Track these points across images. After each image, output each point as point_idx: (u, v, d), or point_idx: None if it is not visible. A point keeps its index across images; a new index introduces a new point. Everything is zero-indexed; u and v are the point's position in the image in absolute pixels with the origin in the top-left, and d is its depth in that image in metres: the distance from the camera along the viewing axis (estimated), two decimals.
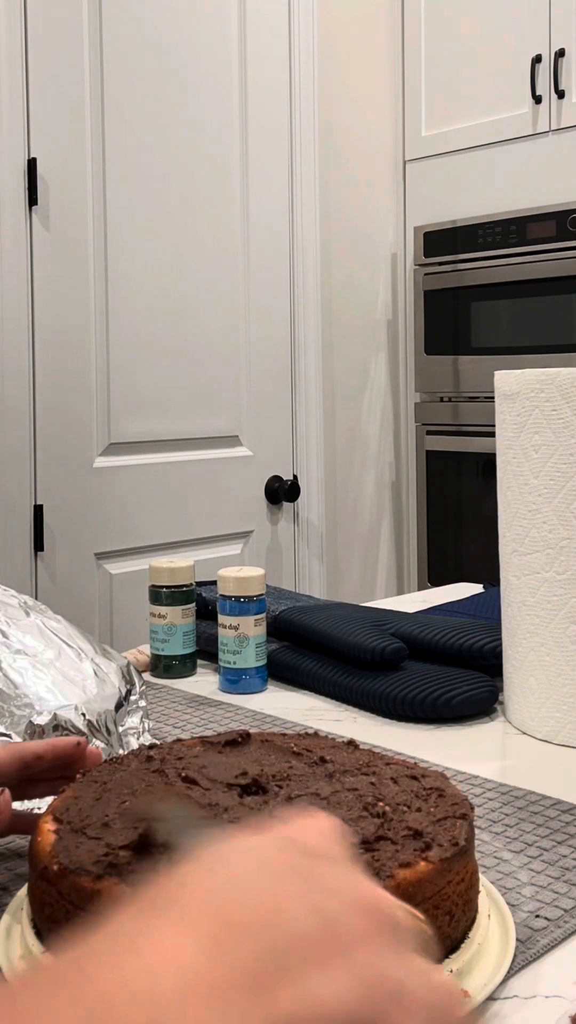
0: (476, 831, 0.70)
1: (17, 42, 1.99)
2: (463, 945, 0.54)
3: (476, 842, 0.68)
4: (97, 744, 0.75)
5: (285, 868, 0.33)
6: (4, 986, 0.30)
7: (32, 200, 2.02)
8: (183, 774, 0.62)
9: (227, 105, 2.39)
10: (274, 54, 2.48)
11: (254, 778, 0.61)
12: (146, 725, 0.83)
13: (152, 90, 2.22)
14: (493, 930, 0.57)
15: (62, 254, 2.08)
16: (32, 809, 0.67)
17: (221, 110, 2.37)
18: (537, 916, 0.60)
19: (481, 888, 0.59)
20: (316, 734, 0.70)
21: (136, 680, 0.87)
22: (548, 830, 0.71)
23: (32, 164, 2.02)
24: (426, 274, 2.69)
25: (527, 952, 0.57)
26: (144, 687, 0.87)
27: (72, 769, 0.65)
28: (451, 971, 0.52)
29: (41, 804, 0.67)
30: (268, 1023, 0.28)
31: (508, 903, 0.61)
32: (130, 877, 0.51)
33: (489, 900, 0.59)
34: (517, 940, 0.57)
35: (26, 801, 0.67)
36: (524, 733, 0.92)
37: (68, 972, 0.29)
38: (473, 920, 0.56)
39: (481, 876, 0.61)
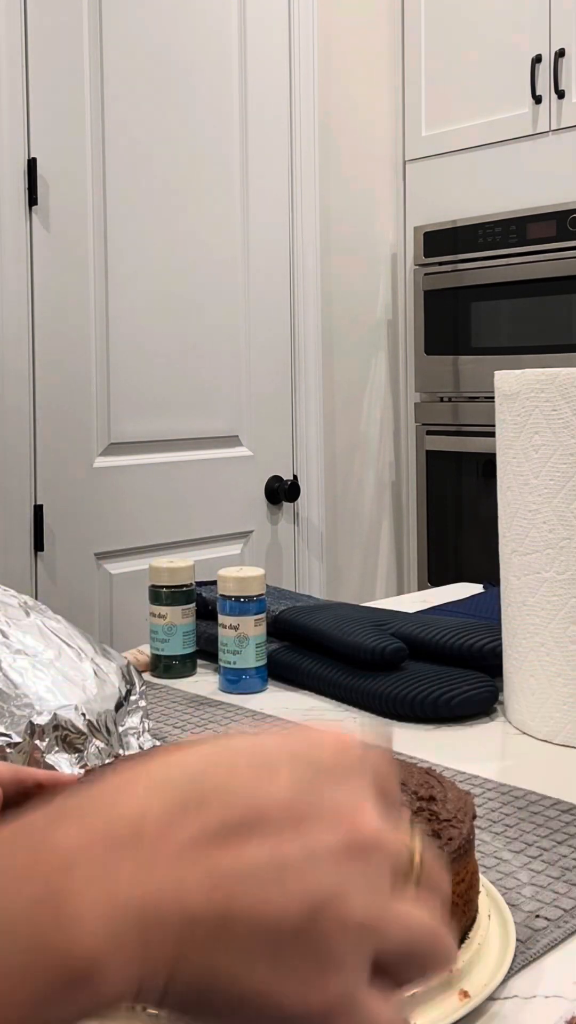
0: (476, 831, 0.70)
1: (17, 42, 1.99)
2: (463, 945, 0.54)
3: (476, 842, 0.68)
4: (97, 744, 0.75)
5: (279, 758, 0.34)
6: None
7: (32, 200, 2.02)
8: None
9: (227, 105, 2.39)
10: (274, 54, 2.48)
11: None
12: (146, 725, 0.83)
13: (152, 90, 2.22)
14: (493, 930, 0.57)
15: (62, 254, 2.08)
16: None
17: (221, 110, 2.37)
18: (537, 916, 0.60)
19: (481, 888, 0.59)
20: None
21: (136, 680, 0.87)
22: (548, 830, 0.71)
23: (32, 164, 2.02)
24: (426, 274, 2.69)
25: (527, 952, 0.57)
26: (144, 687, 0.87)
27: None
28: (451, 971, 0.52)
29: None
30: (208, 874, 0.30)
31: (508, 903, 0.61)
32: None
33: (489, 900, 0.59)
34: (517, 940, 0.57)
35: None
36: (524, 733, 0.92)
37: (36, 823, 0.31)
38: (473, 920, 0.56)
39: (481, 876, 0.61)
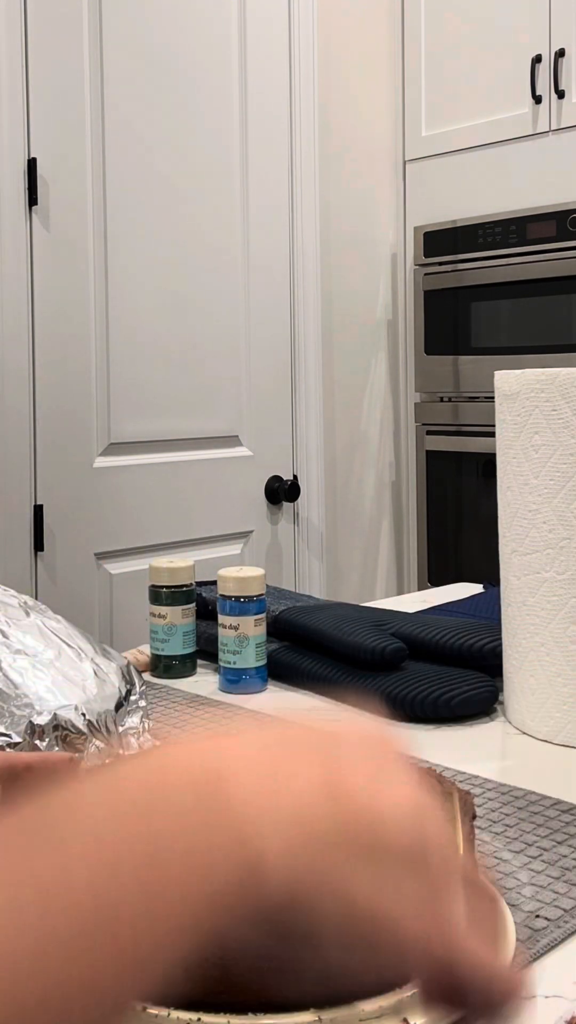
0: (476, 831, 0.70)
1: (17, 42, 1.99)
2: None
3: (476, 842, 0.68)
4: (97, 744, 0.75)
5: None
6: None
7: (32, 200, 2.02)
8: None
9: (227, 105, 2.39)
10: (274, 54, 2.48)
11: None
12: (146, 725, 0.83)
13: (152, 90, 2.22)
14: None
15: (62, 254, 2.08)
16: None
17: (221, 110, 2.37)
18: (537, 916, 0.60)
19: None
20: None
21: (136, 680, 0.87)
22: (548, 830, 0.71)
23: (32, 164, 2.02)
24: (426, 274, 2.69)
25: (540, 939, 0.57)
26: (144, 687, 0.87)
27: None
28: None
29: None
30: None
31: (508, 903, 0.61)
32: None
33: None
34: (517, 940, 0.58)
35: None
36: (524, 733, 0.92)
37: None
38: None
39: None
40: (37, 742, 0.73)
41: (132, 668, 0.88)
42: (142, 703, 0.85)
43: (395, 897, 0.31)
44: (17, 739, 0.72)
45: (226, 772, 0.31)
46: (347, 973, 0.34)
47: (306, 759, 0.33)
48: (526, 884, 0.63)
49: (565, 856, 0.67)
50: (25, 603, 0.86)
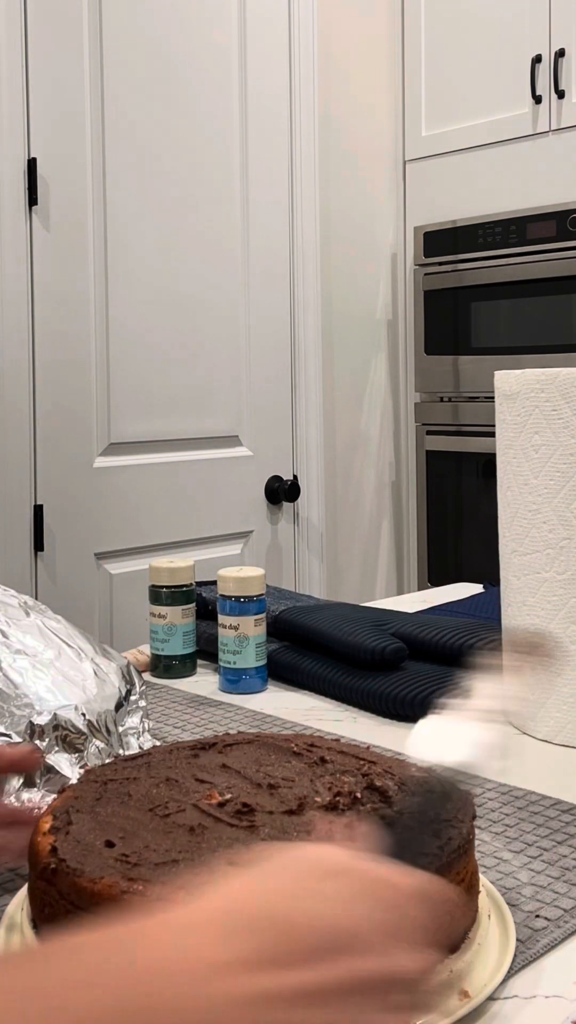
0: (476, 831, 0.70)
1: (17, 42, 1.99)
2: (463, 945, 0.54)
3: (476, 842, 0.68)
4: (97, 744, 0.75)
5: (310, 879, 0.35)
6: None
7: (32, 200, 2.02)
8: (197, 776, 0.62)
9: (227, 105, 2.39)
10: (274, 54, 2.48)
11: (269, 783, 0.61)
12: (146, 725, 0.83)
13: (152, 90, 2.22)
14: (493, 930, 0.57)
15: (62, 254, 2.08)
16: (32, 809, 0.67)
17: (221, 110, 2.37)
18: (537, 916, 0.60)
19: (481, 888, 0.59)
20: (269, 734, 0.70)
21: (136, 680, 0.87)
22: (548, 830, 0.71)
23: (32, 164, 2.02)
24: (426, 274, 2.69)
25: (527, 952, 0.57)
26: (144, 687, 0.87)
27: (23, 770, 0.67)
28: (451, 971, 0.52)
29: (41, 804, 0.67)
30: (267, 999, 0.32)
31: (508, 903, 0.61)
32: (131, 873, 0.51)
33: (489, 900, 0.59)
34: (517, 940, 0.58)
35: (26, 801, 0.67)
36: (524, 733, 0.92)
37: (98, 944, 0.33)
38: (473, 920, 0.56)
39: (481, 876, 0.61)
40: (37, 742, 0.73)
41: (132, 668, 0.88)
42: (142, 703, 0.85)
43: None
44: (17, 739, 0.72)
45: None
46: None
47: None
48: (526, 884, 0.63)
49: (565, 856, 0.67)
50: (25, 603, 0.86)
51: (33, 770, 0.67)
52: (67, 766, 0.72)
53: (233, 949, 0.32)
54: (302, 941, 0.33)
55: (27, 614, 0.84)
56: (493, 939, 0.56)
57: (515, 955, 0.56)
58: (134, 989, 0.31)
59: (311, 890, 0.34)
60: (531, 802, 0.76)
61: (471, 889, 0.56)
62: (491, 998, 0.53)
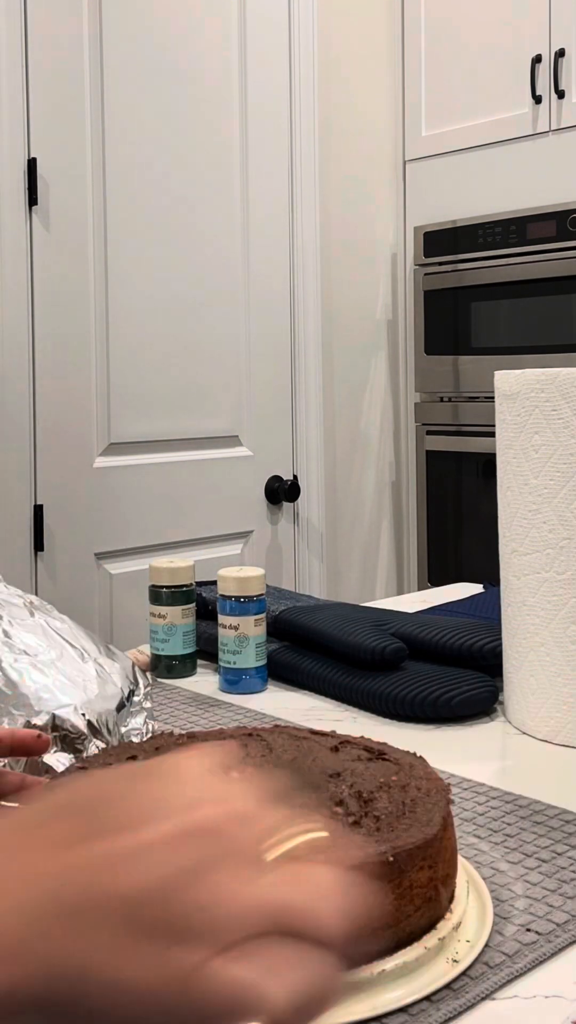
0: (475, 839, 0.70)
1: (17, 42, 1.99)
2: (440, 924, 0.56)
3: (474, 851, 0.68)
4: (98, 744, 0.75)
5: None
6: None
7: (32, 200, 2.02)
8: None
9: (227, 105, 2.39)
10: (274, 54, 2.48)
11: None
12: (150, 726, 0.83)
13: (152, 90, 2.22)
14: (471, 904, 0.60)
15: (62, 254, 2.08)
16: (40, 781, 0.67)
17: (221, 110, 2.37)
18: (528, 930, 0.60)
19: (461, 869, 0.62)
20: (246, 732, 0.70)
21: (141, 681, 0.86)
22: (550, 840, 0.70)
23: (32, 164, 2.02)
24: (426, 274, 2.69)
25: (528, 953, 0.57)
26: (149, 688, 0.87)
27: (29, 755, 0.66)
28: (440, 940, 0.55)
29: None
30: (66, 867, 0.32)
31: (501, 916, 0.61)
32: None
33: (465, 874, 0.62)
34: (517, 942, 0.58)
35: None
36: (524, 733, 0.92)
37: None
38: (452, 895, 0.59)
39: (462, 859, 0.64)
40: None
41: (136, 669, 0.88)
42: (147, 704, 0.85)
43: (111, 958, 0.31)
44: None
45: None
46: None
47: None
48: (520, 896, 0.63)
49: (564, 868, 0.66)
50: (31, 603, 0.86)
51: (42, 753, 0.66)
52: (66, 766, 0.72)
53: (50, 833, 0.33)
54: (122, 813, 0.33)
55: (32, 614, 0.84)
56: (472, 912, 0.59)
57: (513, 955, 0.56)
58: None
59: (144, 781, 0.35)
60: (535, 811, 0.74)
61: (450, 866, 0.57)
62: (491, 998, 0.53)
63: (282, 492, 2.51)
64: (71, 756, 0.73)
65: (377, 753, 0.65)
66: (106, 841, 0.32)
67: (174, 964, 0.31)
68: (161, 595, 1.11)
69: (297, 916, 0.32)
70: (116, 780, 0.35)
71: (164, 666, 1.11)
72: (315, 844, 0.34)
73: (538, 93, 2.48)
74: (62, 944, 0.30)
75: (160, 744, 0.68)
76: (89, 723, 0.76)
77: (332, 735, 0.69)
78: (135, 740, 0.80)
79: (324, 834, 0.35)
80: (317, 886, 0.33)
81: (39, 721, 0.73)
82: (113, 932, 0.31)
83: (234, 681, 1.06)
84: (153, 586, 1.11)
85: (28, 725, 0.73)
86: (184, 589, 1.11)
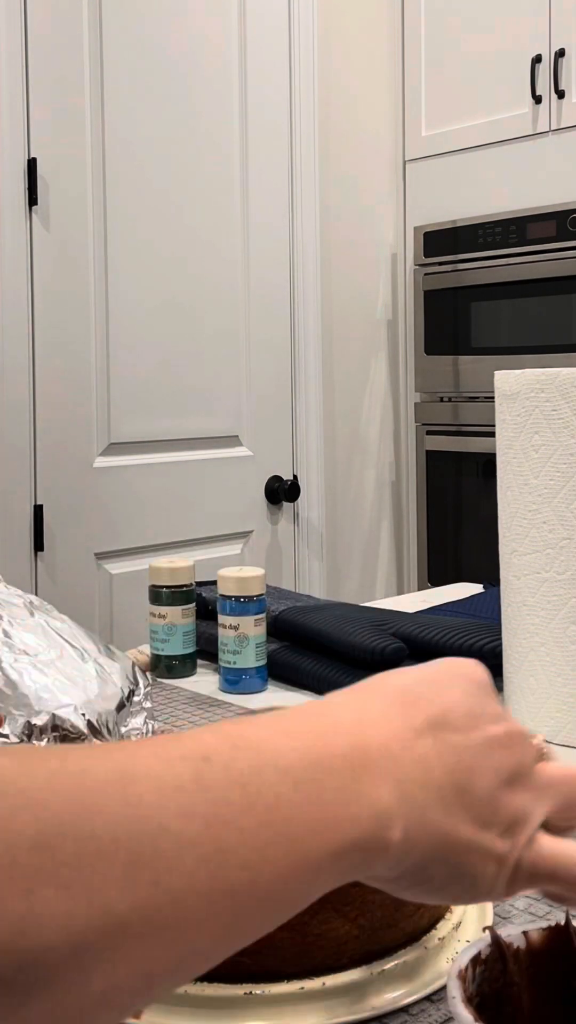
0: None
1: (17, 42, 1.99)
2: (439, 925, 0.57)
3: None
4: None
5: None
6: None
7: (32, 200, 2.03)
8: None
9: (227, 105, 2.39)
10: (274, 54, 2.48)
11: None
12: (150, 726, 0.83)
13: (152, 90, 2.22)
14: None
15: (62, 254, 2.08)
16: None
17: (221, 110, 2.37)
18: (533, 922, 0.60)
19: None
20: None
21: (141, 681, 0.86)
22: None
23: (32, 164, 2.02)
24: (426, 274, 2.69)
25: None
26: (149, 688, 0.87)
27: None
28: (440, 940, 0.54)
29: None
30: (440, 755, 0.40)
31: (499, 916, 0.61)
32: None
33: None
34: None
35: None
36: None
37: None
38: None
39: None
40: (35, 742, 0.73)
41: (137, 669, 0.88)
42: (147, 704, 0.85)
43: (485, 825, 0.39)
44: (15, 739, 0.72)
45: (360, 741, 0.38)
46: (450, 897, 0.40)
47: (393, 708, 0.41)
48: (520, 895, 0.63)
49: None
50: (31, 603, 0.86)
51: None
52: None
53: (410, 718, 0.40)
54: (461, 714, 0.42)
55: (32, 614, 0.84)
56: (471, 911, 0.59)
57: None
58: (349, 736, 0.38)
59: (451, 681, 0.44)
60: None
61: None
62: None
63: (282, 492, 2.51)
64: None
65: None
66: (463, 732, 0.41)
67: (516, 839, 0.40)
68: (161, 595, 1.11)
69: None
70: (417, 679, 0.43)
71: (164, 666, 1.11)
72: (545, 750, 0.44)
73: (538, 93, 2.48)
74: (450, 812, 0.38)
75: None
76: (89, 723, 0.76)
77: None
78: (135, 740, 0.80)
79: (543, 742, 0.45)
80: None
81: (39, 721, 0.73)
82: (484, 807, 0.39)
83: (234, 681, 1.06)
84: (153, 586, 1.11)
85: (28, 725, 0.73)
86: (184, 589, 1.11)
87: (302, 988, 0.50)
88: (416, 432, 2.76)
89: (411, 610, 1.35)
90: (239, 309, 2.43)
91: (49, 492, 2.08)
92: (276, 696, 1.05)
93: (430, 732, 0.40)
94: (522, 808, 0.41)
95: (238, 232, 2.42)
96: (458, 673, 0.44)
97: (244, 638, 1.05)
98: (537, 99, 2.48)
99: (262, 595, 1.06)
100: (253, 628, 1.05)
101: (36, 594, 2.06)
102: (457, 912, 0.57)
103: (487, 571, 2.53)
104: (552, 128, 2.47)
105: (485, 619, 1.20)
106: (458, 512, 2.67)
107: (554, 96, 2.45)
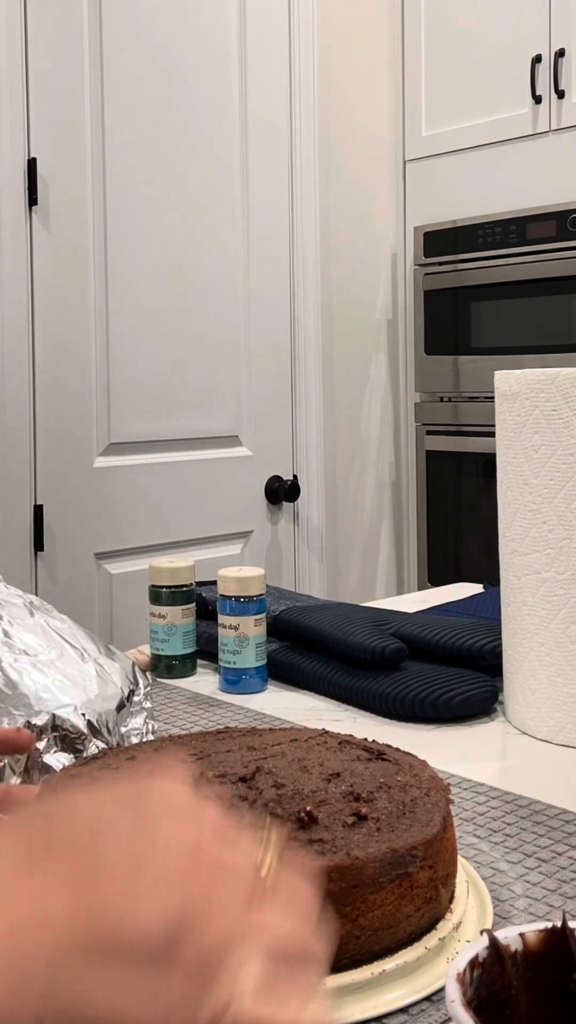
0: (476, 840, 0.70)
1: (17, 42, 1.99)
2: (441, 922, 0.57)
3: (474, 851, 0.68)
4: (98, 744, 0.75)
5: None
6: None
7: (32, 200, 2.03)
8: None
9: (227, 105, 2.39)
10: (274, 54, 2.48)
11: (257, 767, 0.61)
12: (150, 726, 0.83)
13: (152, 91, 2.22)
14: (471, 903, 0.60)
15: (62, 254, 2.08)
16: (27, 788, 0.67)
17: (221, 110, 2.37)
18: (533, 922, 0.60)
19: (461, 869, 0.62)
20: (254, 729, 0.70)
21: (141, 681, 0.86)
22: (550, 840, 0.70)
23: (32, 164, 2.02)
24: (426, 274, 2.69)
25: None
26: (149, 688, 0.87)
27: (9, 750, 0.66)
28: (440, 940, 0.55)
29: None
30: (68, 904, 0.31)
31: (500, 916, 0.61)
32: None
33: (465, 874, 0.62)
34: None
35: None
36: (524, 733, 0.92)
37: None
38: (452, 895, 0.59)
39: (461, 858, 0.63)
40: (36, 742, 0.73)
41: (137, 669, 0.88)
42: (147, 704, 0.85)
43: (129, 999, 0.31)
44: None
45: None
46: None
47: (58, 874, 0.33)
48: (520, 896, 0.63)
49: (564, 868, 0.66)
50: (31, 603, 0.86)
51: (25, 750, 0.66)
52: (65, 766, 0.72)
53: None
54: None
55: (32, 614, 0.84)
56: (471, 912, 0.59)
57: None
58: None
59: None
60: (535, 811, 0.75)
61: (451, 865, 0.57)
62: None
63: (282, 492, 2.51)
64: (71, 756, 0.73)
65: (377, 753, 0.65)
66: (113, 885, 0.32)
67: (197, 1007, 0.31)
68: (161, 595, 1.11)
69: (291, 941, 0.33)
70: (102, 807, 0.35)
71: (164, 666, 1.11)
72: (285, 855, 0.35)
73: (538, 93, 2.48)
74: (87, 985, 0.31)
75: (159, 746, 0.68)
76: (89, 723, 0.76)
77: (324, 733, 0.69)
78: (135, 740, 0.80)
79: (284, 841, 0.36)
80: (300, 904, 0.34)
81: (39, 721, 0.73)
82: (135, 968, 0.31)
83: (234, 681, 1.06)
84: (153, 586, 1.11)
85: (28, 725, 0.73)
86: (184, 589, 1.11)
87: None
88: (416, 432, 2.76)
89: (411, 610, 1.35)
90: (239, 309, 2.43)
91: (49, 492, 2.08)
92: (276, 696, 1.05)
93: (68, 883, 0.33)
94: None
95: (238, 232, 2.42)
96: (122, 800, 0.36)
97: (244, 638, 1.05)
98: (537, 99, 2.48)
99: (262, 595, 1.06)
100: (253, 628, 1.05)
101: (36, 594, 2.06)
102: (457, 912, 0.57)
103: (487, 571, 2.53)
104: (552, 128, 2.47)
105: (485, 619, 1.20)
106: (458, 512, 2.67)
107: (554, 96, 2.46)
